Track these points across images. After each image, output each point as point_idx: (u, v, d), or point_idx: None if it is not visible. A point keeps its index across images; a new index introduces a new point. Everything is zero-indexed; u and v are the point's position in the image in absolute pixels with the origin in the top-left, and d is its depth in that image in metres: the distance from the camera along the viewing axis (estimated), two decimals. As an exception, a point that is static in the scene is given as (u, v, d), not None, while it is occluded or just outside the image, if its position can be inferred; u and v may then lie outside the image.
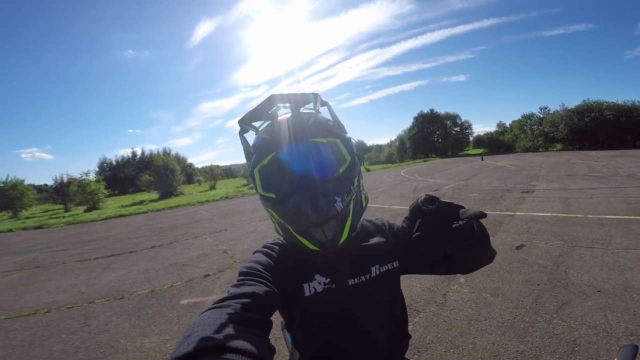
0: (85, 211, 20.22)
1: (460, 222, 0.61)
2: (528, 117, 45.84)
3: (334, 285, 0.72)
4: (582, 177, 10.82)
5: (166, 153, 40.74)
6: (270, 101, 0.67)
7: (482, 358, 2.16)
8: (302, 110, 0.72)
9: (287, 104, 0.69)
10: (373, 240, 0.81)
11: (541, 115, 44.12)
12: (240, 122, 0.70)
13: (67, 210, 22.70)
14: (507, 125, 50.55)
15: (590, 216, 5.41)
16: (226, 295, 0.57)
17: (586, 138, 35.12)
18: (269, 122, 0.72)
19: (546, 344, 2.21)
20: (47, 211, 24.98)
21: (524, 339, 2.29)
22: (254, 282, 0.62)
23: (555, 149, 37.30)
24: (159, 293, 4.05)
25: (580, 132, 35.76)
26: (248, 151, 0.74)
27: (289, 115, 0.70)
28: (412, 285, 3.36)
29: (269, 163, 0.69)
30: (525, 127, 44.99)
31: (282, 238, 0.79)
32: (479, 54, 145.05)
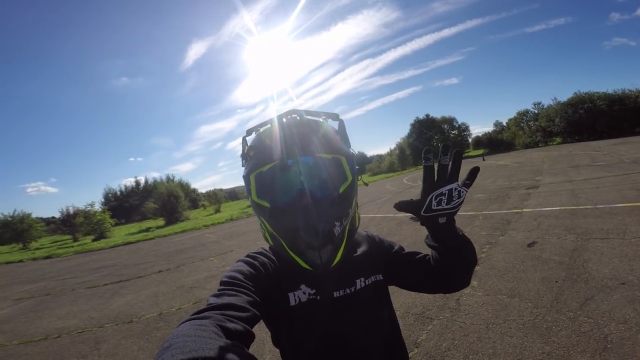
0: (93, 240, 20.28)
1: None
2: (523, 114, 46.07)
3: (318, 297, 0.70)
4: (586, 167, 10.70)
5: (169, 180, 40.71)
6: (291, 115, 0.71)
7: (505, 363, 2.06)
8: (309, 117, 0.72)
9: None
10: (360, 253, 0.80)
11: (536, 111, 44.37)
12: (248, 131, 0.74)
13: (75, 240, 22.79)
14: (504, 123, 50.73)
15: (601, 206, 5.29)
16: (206, 305, 0.54)
17: (584, 129, 35.17)
18: (273, 125, 0.71)
19: (574, 343, 2.10)
20: (56, 242, 25.08)
21: (549, 340, 2.19)
22: (234, 292, 0.59)
23: (555, 143, 37.19)
24: (167, 316, 3.98)
25: (577, 124, 35.90)
26: (246, 152, 0.73)
27: (297, 121, 0.70)
28: (423, 293, 3.25)
29: (268, 171, 0.68)
30: (522, 124, 45.08)
31: (266, 247, 0.78)
32: (468, 55, 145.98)
